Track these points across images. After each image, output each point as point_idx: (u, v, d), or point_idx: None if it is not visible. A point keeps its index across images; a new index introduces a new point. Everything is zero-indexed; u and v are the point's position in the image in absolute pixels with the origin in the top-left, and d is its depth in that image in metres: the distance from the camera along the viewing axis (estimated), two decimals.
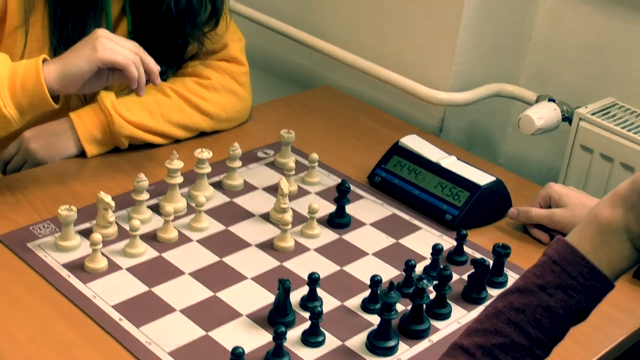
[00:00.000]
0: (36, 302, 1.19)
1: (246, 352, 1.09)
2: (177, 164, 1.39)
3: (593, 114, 1.65)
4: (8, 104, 1.30)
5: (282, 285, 1.17)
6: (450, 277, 1.24)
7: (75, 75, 1.33)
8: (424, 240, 1.42)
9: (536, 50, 1.87)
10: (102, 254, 1.28)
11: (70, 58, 1.34)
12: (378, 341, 1.16)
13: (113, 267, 1.28)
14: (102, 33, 1.35)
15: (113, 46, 1.34)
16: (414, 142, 1.56)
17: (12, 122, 1.32)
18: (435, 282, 1.24)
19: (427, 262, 1.35)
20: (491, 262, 1.31)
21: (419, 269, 1.32)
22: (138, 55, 1.37)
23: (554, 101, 1.73)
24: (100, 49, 1.32)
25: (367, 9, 1.88)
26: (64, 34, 1.48)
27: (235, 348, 1.05)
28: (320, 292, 1.24)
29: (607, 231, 0.94)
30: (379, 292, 1.23)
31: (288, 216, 1.36)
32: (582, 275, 0.94)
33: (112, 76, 1.39)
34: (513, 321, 0.96)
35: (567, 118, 1.71)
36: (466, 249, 1.39)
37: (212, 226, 1.40)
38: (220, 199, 1.47)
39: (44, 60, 1.33)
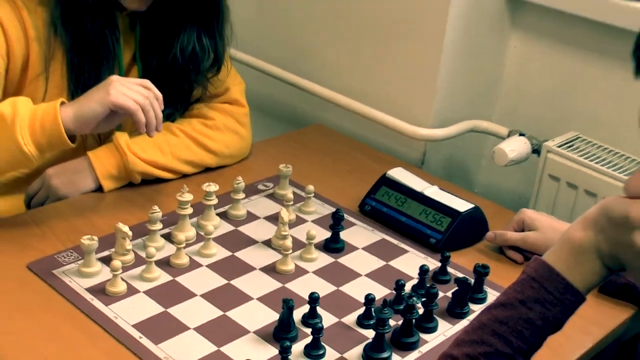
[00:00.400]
0: (63, 323, 1.20)
1: None
2: (187, 196, 1.40)
3: (559, 146, 1.67)
4: (28, 142, 1.30)
5: (286, 304, 1.18)
6: (436, 294, 1.25)
7: (89, 117, 1.33)
8: (411, 262, 1.43)
9: (507, 90, 1.89)
10: (122, 278, 1.28)
11: (86, 101, 1.34)
12: (373, 353, 1.17)
13: (132, 290, 1.28)
14: (115, 78, 1.35)
15: (125, 91, 1.33)
16: (399, 174, 1.58)
17: (32, 159, 1.32)
18: (423, 299, 1.25)
19: (415, 281, 1.36)
20: (472, 281, 1.32)
21: (408, 287, 1.34)
22: (148, 99, 1.36)
23: (524, 135, 1.75)
24: (112, 93, 1.32)
25: (355, 54, 1.90)
26: (81, 81, 1.49)
27: None
28: (319, 310, 1.25)
29: (579, 251, 0.96)
30: (373, 309, 1.24)
31: (288, 242, 1.37)
32: (558, 290, 0.96)
33: (123, 117, 1.39)
34: (497, 332, 0.97)
35: (536, 150, 1.73)
36: (449, 269, 1.40)
37: (219, 252, 1.40)
38: (226, 227, 1.48)
39: (62, 103, 1.34)
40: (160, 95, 1.39)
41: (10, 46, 1.43)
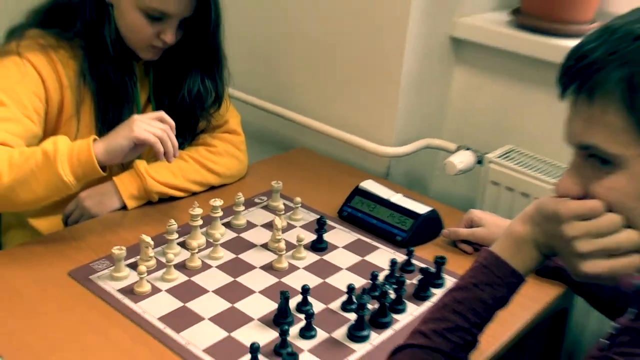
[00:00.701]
0: (100, 319, 1.21)
1: (260, 346, 1.10)
2: (198, 211, 1.41)
3: (498, 157, 1.69)
4: (67, 173, 1.30)
5: (283, 295, 1.20)
6: (404, 282, 1.27)
7: (117, 150, 1.33)
8: (383, 256, 1.44)
9: (453, 113, 1.91)
10: (147, 280, 1.29)
11: (114, 137, 1.34)
12: (355, 332, 1.19)
13: (155, 289, 1.29)
14: (137, 117, 1.35)
15: (146, 127, 1.33)
16: (370, 185, 1.60)
17: (71, 187, 1.32)
18: (393, 287, 1.27)
19: (387, 272, 1.37)
20: (433, 270, 1.34)
21: (381, 277, 1.35)
22: (165, 132, 1.36)
23: (469, 149, 1.76)
24: (136, 130, 1.32)
25: (330, 89, 1.92)
26: (106, 120, 1.50)
27: (253, 343, 1.08)
28: (310, 299, 1.26)
29: (519, 242, 0.98)
30: (353, 296, 1.26)
31: (282, 244, 1.39)
32: (503, 274, 0.98)
33: (145, 148, 1.39)
34: (456, 310, 0.99)
35: (479, 161, 1.74)
36: (414, 261, 1.41)
37: (226, 255, 1.41)
38: (230, 234, 1.49)
39: (94, 139, 1.34)
40: (173, 123, 1.39)
41: (48, 94, 1.44)
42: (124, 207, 1.55)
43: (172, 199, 1.59)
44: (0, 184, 1.27)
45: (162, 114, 1.39)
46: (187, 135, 1.66)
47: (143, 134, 1.32)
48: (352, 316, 1.23)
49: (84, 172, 1.32)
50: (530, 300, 1.30)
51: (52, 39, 1.46)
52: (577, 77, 0.84)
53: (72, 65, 1.47)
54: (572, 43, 0.89)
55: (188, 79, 1.57)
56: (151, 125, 1.35)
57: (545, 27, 1.64)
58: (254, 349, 1.07)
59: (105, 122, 1.49)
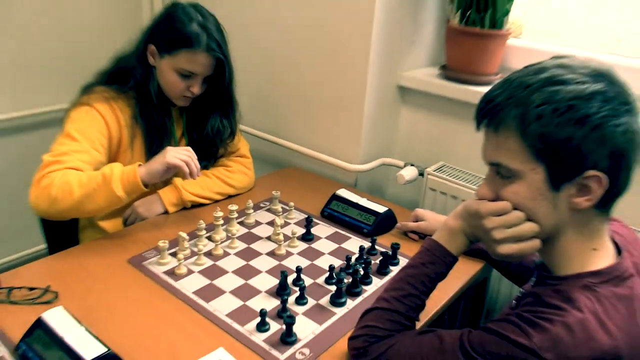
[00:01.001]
0: (152, 295, 1.21)
1: (267, 311, 1.10)
2: (219, 213, 1.42)
3: (434, 171, 1.70)
4: (119, 190, 1.31)
5: (283, 274, 1.21)
6: (370, 262, 1.29)
7: (155, 172, 1.34)
8: (354, 244, 1.44)
9: (402, 139, 1.91)
10: (184, 265, 1.28)
11: (153, 163, 1.35)
12: (335, 299, 1.20)
13: (189, 272, 1.29)
14: (170, 148, 1.37)
15: (175, 154, 1.35)
16: (343, 193, 1.60)
17: (122, 200, 1.33)
18: (362, 265, 1.27)
19: (357, 255, 1.37)
20: (390, 253, 1.35)
21: (353, 259, 1.35)
22: (190, 157, 1.37)
23: (413, 165, 1.77)
24: (167, 157, 1.34)
25: (313, 122, 1.92)
26: (152, 150, 1.49)
27: (262, 309, 1.09)
28: (302, 276, 1.27)
29: (453, 232, 0.99)
30: (334, 273, 1.26)
31: (281, 237, 1.39)
32: (442, 255, 0.99)
33: (175, 170, 1.39)
34: (409, 282, 1.00)
35: (421, 174, 1.75)
36: (377, 247, 1.42)
37: (240, 246, 1.41)
38: (243, 230, 1.48)
39: (139, 165, 1.35)
40: (194, 155, 1.39)
41: (110, 132, 1.44)
42: (166, 212, 1.54)
43: (201, 205, 1.59)
44: (72, 198, 1.28)
45: (188, 148, 1.40)
46: (210, 159, 1.66)
47: (172, 160, 1.34)
48: (333, 288, 1.23)
49: (132, 189, 1.33)
50: (460, 273, 1.31)
51: (114, 92, 1.46)
52: (487, 115, 0.87)
53: (127, 111, 1.47)
54: (484, 89, 0.92)
55: (210, 119, 1.57)
56: (179, 153, 1.36)
57: (464, 78, 1.67)
58: (263, 313, 1.08)
59: (152, 152, 1.48)
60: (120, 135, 1.46)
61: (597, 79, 0.81)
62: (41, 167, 1.32)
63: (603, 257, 0.86)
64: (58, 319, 0.99)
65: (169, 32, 1.42)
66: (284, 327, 1.07)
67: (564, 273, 0.86)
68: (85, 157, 1.36)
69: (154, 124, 1.49)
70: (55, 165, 1.31)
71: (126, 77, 1.47)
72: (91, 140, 1.39)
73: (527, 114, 0.81)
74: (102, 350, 0.93)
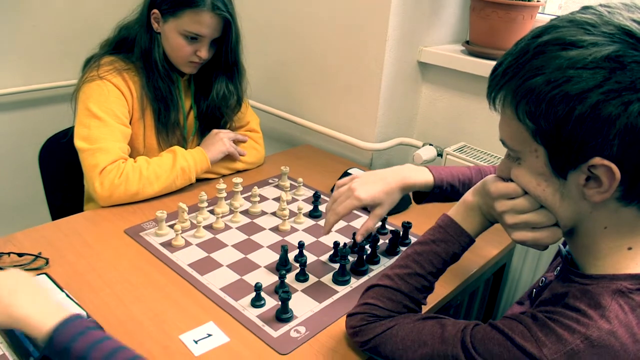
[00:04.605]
0: (146, 265, 1.15)
1: (263, 286, 1.03)
2: (223, 185, 1.35)
3: (453, 151, 1.61)
4: (194, 177, 1.44)
5: (283, 248, 1.14)
6: (378, 240, 1.21)
7: (216, 160, 1.49)
8: (363, 222, 1.35)
9: (421, 118, 1.83)
10: (182, 237, 1.22)
11: (214, 152, 1.48)
12: (338, 277, 1.12)
13: (187, 244, 1.23)
14: (222, 135, 1.51)
15: (226, 142, 1.51)
16: (354, 171, 1.53)
17: (192, 182, 1.44)
18: (370, 243, 1.20)
19: None
20: (401, 232, 1.26)
21: None
22: (235, 138, 1.54)
23: (432, 145, 1.69)
24: (229, 146, 1.51)
25: (328, 99, 1.85)
26: (160, 120, 1.45)
27: (257, 283, 1.02)
28: (305, 252, 1.20)
29: (469, 208, 0.90)
30: (338, 249, 1.18)
31: (286, 212, 1.31)
32: (455, 233, 0.90)
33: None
34: (415, 260, 0.92)
35: (440, 154, 1.67)
36: (387, 225, 1.34)
37: (243, 220, 1.34)
38: (247, 205, 1.41)
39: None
40: (236, 135, 1.56)
41: (127, 102, 1.41)
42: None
43: (206, 180, 1.52)
44: (153, 190, 1.36)
45: (231, 133, 1.55)
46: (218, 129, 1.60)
47: (231, 149, 1.51)
48: (337, 266, 1.15)
49: (202, 173, 1.47)
50: (475, 256, 1.23)
51: (123, 63, 1.42)
52: (490, 88, 0.76)
53: (137, 81, 1.42)
54: None
55: (216, 84, 1.51)
56: (231, 139, 1.53)
57: (488, 53, 1.57)
58: (258, 287, 1.00)
59: (160, 122, 1.46)
60: (133, 106, 1.42)
61: (617, 40, 0.64)
62: (85, 156, 1.32)
63: None
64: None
65: None
66: (280, 303, 1.00)
67: (594, 272, 0.73)
68: (119, 135, 1.36)
69: (160, 94, 1.43)
70: (105, 154, 1.32)
71: (131, 46, 1.43)
72: (116, 115, 1.36)
73: (519, 87, 0.69)
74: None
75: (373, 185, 1.08)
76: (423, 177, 1.10)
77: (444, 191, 1.11)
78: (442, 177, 1.10)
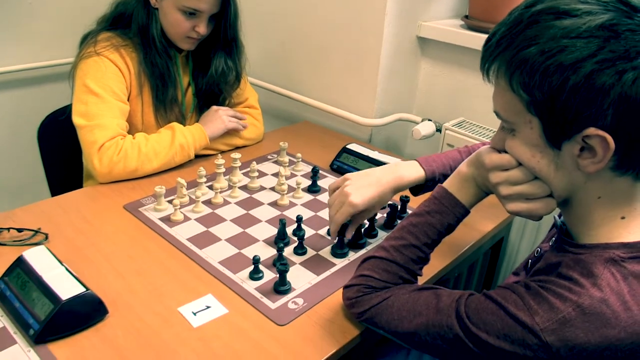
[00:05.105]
0: (145, 239, 1.15)
1: (261, 259, 1.04)
2: (221, 160, 1.35)
3: (452, 126, 1.60)
4: (192, 154, 1.44)
5: (281, 222, 1.14)
6: (376, 214, 1.19)
7: (216, 136, 1.49)
8: None
9: (420, 94, 1.82)
10: (180, 212, 1.23)
11: (214, 129, 1.48)
12: (337, 250, 1.12)
13: (186, 219, 1.23)
14: (221, 112, 1.50)
15: (228, 118, 1.51)
16: (353, 146, 1.52)
17: (191, 158, 1.44)
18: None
19: None
20: (399, 206, 1.26)
21: None
22: (235, 117, 1.53)
23: (431, 120, 1.68)
24: (227, 124, 1.50)
25: (326, 75, 1.84)
26: (158, 97, 1.45)
27: (255, 256, 1.02)
28: (303, 226, 1.20)
29: (464, 180, 0.90)
30: None
31: (284, 187, 1.31)
32: (450, 205, 0.90)
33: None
34: (410, 231, 0.92)
35: (438, 130, 1.66)
36: None
37: (241, 195, 1.34)
38: (246, 181, 1.41)
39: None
40: (235, 113, 1.55)
41: (125, 79, 1.40)
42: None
43: (205, 156, 1.52)
44: (151, 167, 1.36)
45: (226, 108, 1.54)
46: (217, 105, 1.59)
47: (231, 125, 1.51)
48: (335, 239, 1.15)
49: (200, 149, 1.46)
50: (471, 229, 1.23)
51: (120, 39, 1.41)
52: (483, 59, 0.75)
53: (135, 57, 1.41)
54: None
55: (214, 60, 1.50)
56: (228, 116, 1.51)
57: (487, 28, 1.55)
58: (256, 260, 1.01)
59: (158, 99, 1.45)
60: (130, 82, 1.41)
61: (611, 9, 0.64)
62: (84, 132, 1.31)
63: (636, 228, 0.72)
64: (39, 257, 0.93)
65: None
66: (277, 275, 1.01)
67: (587, 242, 0.74)
68: (117, 112, 1.35)
69: (158, 70, 1.42)
70: (103, 131, 1.31)
71: (128, 22, 1.41)
72: (113, 92, 1.35)
73: (513, 58, 0.69)
74: (80, 290, 0.87)
75: (367, 188, 1.05)
76: (415, 173, 1.09)
77: (437, 182, 1.11)
78: (434, 169, 1.10)
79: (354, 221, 1.10)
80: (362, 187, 1.06)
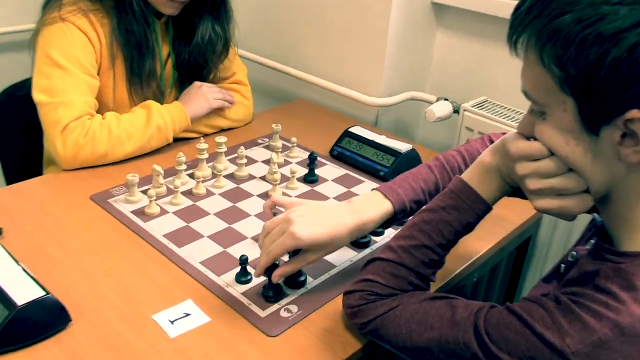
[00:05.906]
0: (115, 235, 1.15)
1: (249, 260, 1.04)
2: (204, 145, 1.34)
3: (472, 107, 1.60)
4: (171, 137, 1.44)
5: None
6: None
7: (199, 116, 1.50)
8: (366, 188, 1.36)
9: (434, 69, 1.81)
10: (156, 204, 1.22)
11: (196, 108, 1.48)
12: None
13: (163, 211, 1.23)
14: (205, 89, 1.51)
15: (213, 96, 1.51)
16: (357, 130, 1.51)
17: (170, 142, 1.45)
18: None
19: None
20: None
21: None
22: (221, 94, 1.53)
23: (447, 100, 1.67)
24: (210, 100, 1.50)
25: (326, 48, 1.83)
26: (133, 69, 1.44)
27: (242, 255, 1.02)
28: None
29: (487, 171, 0.88)
30: None
31: (277, 176, 1.31)
32: (470, 200, 0.89)
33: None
34: (423, 230, 0.91)
35: (456, 111, 1.66)
36: None
37: (227, 185, 1.34)
38: (232, 168, 1.41)
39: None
40: (221, 90, 1.56)
41: (94, 49, 1.39)
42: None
43: (185, 139, 1.52)
44: (124, 151, 1.36)
45: (212, 85, 1.55)
46: (200, 80, 1.58)
47: (215, 103, 1.51)
48: None
49: (180, 132, 1.46)
50: (495, 226, 1.22)
51: (89, 2, 1.39)
52: (511, 31, 0.73)
53: (106, 24, 1.40)
54: None
55: (200, 25, 1.49)
56: (214, 93, 1.51)
57: None
58: (244, 261, 1.01)
59: (133, 72, 1.44)
60: (101, 53, 1.40)
61: None
62: (45, 110, 1.31)
63: None
64: None
65: None
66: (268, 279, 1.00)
67: (628, 248, 0.72)
68: (84, 87, 1.34)
69: (134, 39, 1.41)
70: (68, 109, 1.30)
71: None
72: (81, 64, 1.35)
73: (545, 27, 0.67)
74: (39, 293, 0.87)
75: (318, 224, 0.94)
76: (379, 209, 0.98)
77: (408, 213, 1.02)
78: (402, 198, 1.00)
79: (291, 262, 0.97)
80: (313, 221, 0.95)
